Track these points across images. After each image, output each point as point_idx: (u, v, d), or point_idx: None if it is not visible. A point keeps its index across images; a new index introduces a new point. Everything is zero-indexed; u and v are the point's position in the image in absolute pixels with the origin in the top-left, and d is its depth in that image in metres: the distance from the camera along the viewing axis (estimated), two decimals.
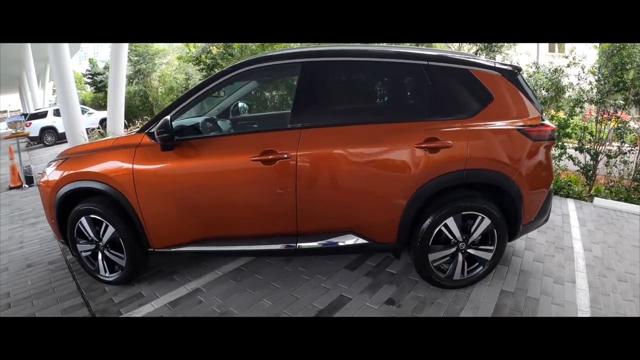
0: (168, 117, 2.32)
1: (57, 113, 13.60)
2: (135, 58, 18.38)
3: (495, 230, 2.47)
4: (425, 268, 2.51)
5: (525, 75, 5.65)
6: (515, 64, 2.68)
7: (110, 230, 2.62)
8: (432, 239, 2.43)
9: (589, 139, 5.25)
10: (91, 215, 2.63)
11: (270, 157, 2.33)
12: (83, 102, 21.67)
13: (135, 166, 2.45)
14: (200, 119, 3.23)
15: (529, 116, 2.49)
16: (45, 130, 14.80)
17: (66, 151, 2.96)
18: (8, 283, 3.02)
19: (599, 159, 5.18)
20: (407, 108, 2.56)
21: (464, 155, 2.31)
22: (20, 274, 3.18)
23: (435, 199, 2.40)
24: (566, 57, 5.32)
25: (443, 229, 2.42)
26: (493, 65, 2.48)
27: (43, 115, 15.19)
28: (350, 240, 2.46)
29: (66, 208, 2.72)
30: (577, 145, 5.27)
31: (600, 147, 5.18)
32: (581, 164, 5.27)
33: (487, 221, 2.43)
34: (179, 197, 2.47)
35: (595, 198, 4.76)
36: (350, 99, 2.76)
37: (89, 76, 23.96)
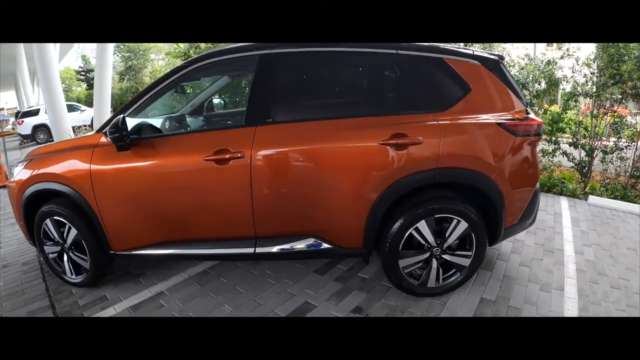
0: (120, 117, 2.20)
1: None
2: (127, 54, 18.18)
3: (473, 235, 2.26)
4: (395, 274, 2.31)
5: (517, 68, 5.44)
6: (498, 53, 2.46)
7: (73, 232, 2.56)
8: (402, 243, 2.23)
9: (584, 134, 5.04)
10: (55, 217, 2.57)
11: (223, 156, 2.18)
12: (77, 100, 21.54)
13: (93, 167, 2.35)
14: (164, 117, 3.12)
15: (512, 109, 2.28)
16: (37, 128, 14.76)
17: (32, 152, 2.91)
18: None
19: (594, 155, 4.97)
20: (373, 101, 2.36)
21: (435, 153, 2.10)
22: None
23: (405, 201, 2.20)
24: (560, 49, 5.09)
25: (414, 233, 2.21)
26: (471, 53, 2.27)
27: (35, 113, 15.17)
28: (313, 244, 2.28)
29: (32, 209, 2.66)
30: (571, 141, 5.06)
31: (596, 143, 4.97)
32: (576, 160, 5.07)
33: (463, 224, 2.22)
34: (136, 199, 2.37)
35: (590, 196, 4.56)
36: (310, 93, 2.55)
37: (82, 73, 23.71)
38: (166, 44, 18.85)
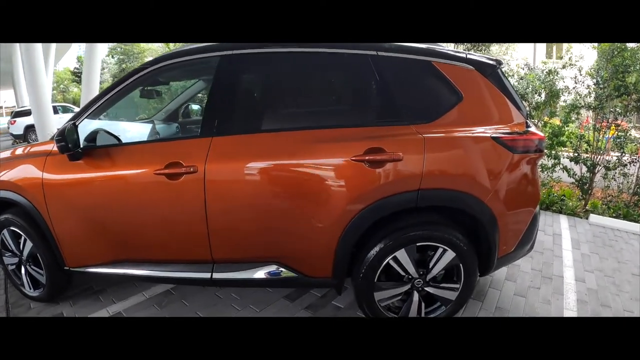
0: (69, 124, 2.00)
1: None
2: (121, 57, 17.90)
3: (461, 265, 1.97)
4: (370, 308, 2.02)
5: (516, 77, 5.20)
6: (495, 57, 2.19)
7: (29, 244, 2.41)
8: (378, 274, 1.93)
9: (586, 149, 4.77)
10: (11, 228, 2.44)
11: (175, 170, 1.92)
12: (73, 102, 21.34)
13: (45, 176, 2.19)
14: (131, 123, 2.94)
15: (510, 121, 1.99)
16: (29, 128, 14.55)
17: None
18: None
19: (596, 170, 4.70)
20: (348, 110, 2.09)
21: (418, 171, 1.81)
22: None
23: (382, 226, 1.91)
24: (561, 58, 4.84)
25: (392, 263, 1.92)
26: (464, 56, 1.98)
27: (28, 113, 14.92)
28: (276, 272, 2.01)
29: None
30: (572, 156, 4.79)
31: (598, 158, 4.70)
32: (576, 176, 4.80)
33: (450, 254, 1.93)
34: (86, 213, 2.18)
35: (591, 215, 4.30)
36: (275, 100, 2.28)
37: (78, 74, 23.50)
38: (162, 47, 18.72)
